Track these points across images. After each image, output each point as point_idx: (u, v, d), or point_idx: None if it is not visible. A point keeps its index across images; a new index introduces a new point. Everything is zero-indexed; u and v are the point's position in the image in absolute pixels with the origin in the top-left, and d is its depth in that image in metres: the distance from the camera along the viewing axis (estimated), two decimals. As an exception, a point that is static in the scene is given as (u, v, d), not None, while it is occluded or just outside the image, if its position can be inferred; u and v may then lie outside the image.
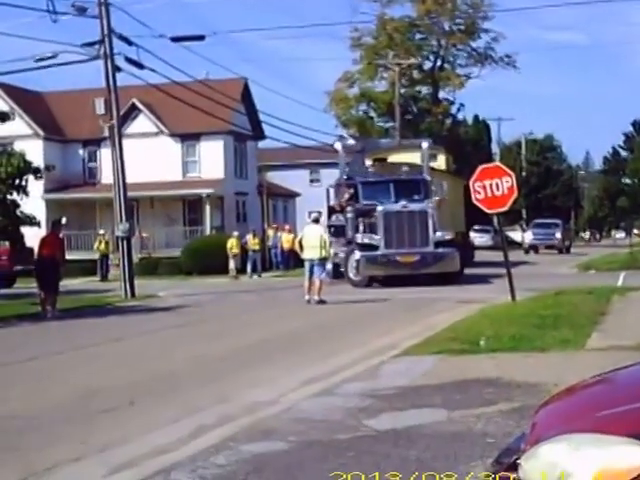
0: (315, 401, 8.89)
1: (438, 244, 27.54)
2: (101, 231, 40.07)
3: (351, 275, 28.29)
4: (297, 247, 25.12)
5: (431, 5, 68.66)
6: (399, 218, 27.63)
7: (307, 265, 22.28)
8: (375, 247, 27.49)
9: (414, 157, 33.39)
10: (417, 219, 27.59)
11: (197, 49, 31.55)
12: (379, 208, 27.86)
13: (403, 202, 28.20)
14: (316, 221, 23.42)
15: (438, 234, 27.81)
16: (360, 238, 28.03)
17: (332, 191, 32.50)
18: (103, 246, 39.13)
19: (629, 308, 16.07)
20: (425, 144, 32.74)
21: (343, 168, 32.11)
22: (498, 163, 26.63)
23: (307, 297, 21.82)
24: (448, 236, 28.38)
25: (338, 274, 29.51)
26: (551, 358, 10.54)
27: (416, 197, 29.16)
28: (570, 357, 10.49)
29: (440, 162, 34.58)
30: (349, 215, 29.46)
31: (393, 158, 35.78)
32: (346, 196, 30.14)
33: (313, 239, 22.30)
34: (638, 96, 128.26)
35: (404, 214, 27.69)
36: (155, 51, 28.94)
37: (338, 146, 33.03)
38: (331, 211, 31.42)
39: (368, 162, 35.12)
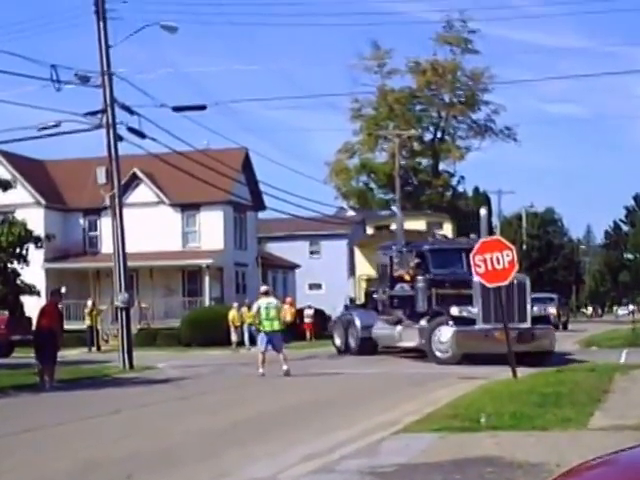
0: (314, 478, 8.90)
1: (535, 320, 25.70)
2: (89, 302, 40.04)
3: (437, 352, 25.51)
4: (255, 320, 24.91)
5: (431, 77, 69.67)
6: (497, 289, 24.56)
7: (264, 337, 22.44)
8: (471, 321, 25.07)
9: (419, 225, 33.48)
10: (516, 291, 25.24)
11: (198, 119, 31.88)
12: (475, 278, 24.56)
13: None
14: (266, 294, 23.51)
15: (535, 309, 26.23)
16: (457, 311, 25.31)
17: (382, 257, 30.44)
18: (91, 317, 38.99)
19: (632, 386, 16.06)
20: (483, 211, 31.87)
21: (401, 234, 30.45)
22: (499, 236, 26.81)
23: (261, 370, 21.92)
24: (545, 312, 26.99)
25: (365, 348, 29.04)
26: (553, 437, 10.53)
27: None
28: (572, 436, 10.49)
29: (447, 230, 34.66)
30: (420, 285, 27.14)
31: (395, 226, 35.71)
32: (411, 264, 28.07)
33: (270, 311, 22.44)
34: (639, 169, 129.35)
35: (502, 285, 26.01)
36: (157, 120, 29.34)
37: (397, 210, 31.60)
38: (395, 280, 28.91)
39: (369, 230, 35.31)
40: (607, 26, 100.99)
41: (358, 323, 30.60)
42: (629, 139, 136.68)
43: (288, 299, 45.17)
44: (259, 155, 45.92)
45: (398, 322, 28.09)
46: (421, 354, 26.78)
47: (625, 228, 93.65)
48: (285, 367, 21.89)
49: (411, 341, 26.94)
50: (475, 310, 24.79)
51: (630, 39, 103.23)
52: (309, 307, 47.24)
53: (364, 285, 33.46)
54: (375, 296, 31.04)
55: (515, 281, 24.81)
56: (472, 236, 29.09)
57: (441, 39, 69.86)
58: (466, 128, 73.15)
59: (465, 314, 25.14)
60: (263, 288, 24.31)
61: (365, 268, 33.72)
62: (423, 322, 26.43)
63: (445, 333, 25.37)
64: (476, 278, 24.30)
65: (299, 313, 45.29)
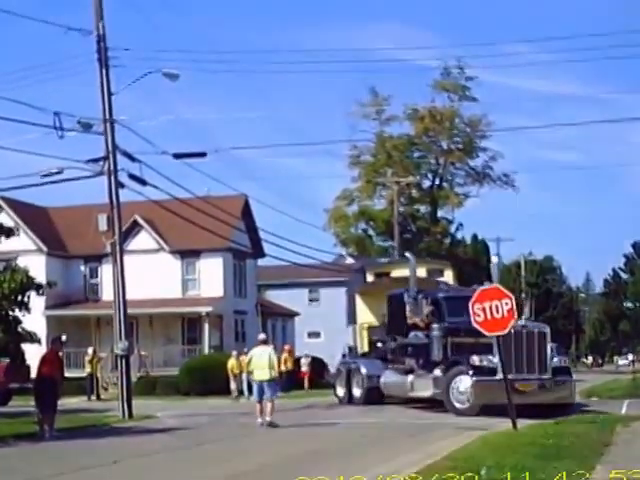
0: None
1: (555, 370, 25.17)
2: (90, 350, 39.99)
3: (456, 403, 24.87)
4: (245, 369, 24.77)
5: (429, 124, 70.08)
6: (518, 339, 24.46)
7: (257, 387, 22.41)
8: (491, 371, 24.18)
9: (419, 272, 33.26)
10: (536, 340, 24.83)
11: (199, 166, 31.96)
12: None
13: (521, 322, 25.23)
14: (264, 342, 23.46)
15: (555, 359, 25.76)
16: (477, 360, 24.60)
17: (391, 304, 29.83)
18: (92, 365, 38.90)
19: (634, 439, 16.02)
20: (495, 259, 31.13)
21: (414, 281, 29.89)
22: (497, 285, 26.84)
23: (259, 420, 21.88)
24: (565, 362, 26.56)
25: (371, 398, 28.63)
26: (554, 491, 10.53)
27: None
28: (573, 490, 10.49)
29: (448, 277, 34.56)
30: (435, 333, 26.46)
31: (396, 273, 35.47)
32: (425, 312, 27.49)
33: (262, 360, 22.38)
34: (638, 218, 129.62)
35: (523, 334, 24.66)
36: (158, 167, 29.43)
37: (410, 255, 30.99)
38: (408, 328, 28.27)
39: (369, 278, 35.13)
40: (605, 74, 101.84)
41: (364, 372, 30.14)
42: (627, 187, 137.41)
43: (286, 347, 45.11)
44: (259, 202, 46.00)
45: (409, 371, 27.51)
46: (430, 404, 26.47)
47: (624, 276, 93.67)
48: (268, 418, 21.73)
49: (424, 391, 26.33)
50: (495, 360, 23.85)
51: (628, 87, 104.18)
52: (306, 356, 47.14)
53: (366, 333, 33.18)
54: (379, 345, 30.77)
55: (536, 330, 25.06)
56: (485, 284, 28.96)
57: (439, 86, 70.39)
58: (464, 175, 73.51)
59: (485, 363, 24.44)
60: (261, 337, 24.30)
61: (367, 316, 33.49)
62: (438, 371, 25.86)
63: (464, 383, 24.73)
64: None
65: (297, 362, 45.19)
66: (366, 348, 32.73)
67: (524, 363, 24.42)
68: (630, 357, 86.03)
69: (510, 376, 23.12)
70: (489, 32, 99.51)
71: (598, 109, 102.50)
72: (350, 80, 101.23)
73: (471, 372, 24.50)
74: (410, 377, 27.23)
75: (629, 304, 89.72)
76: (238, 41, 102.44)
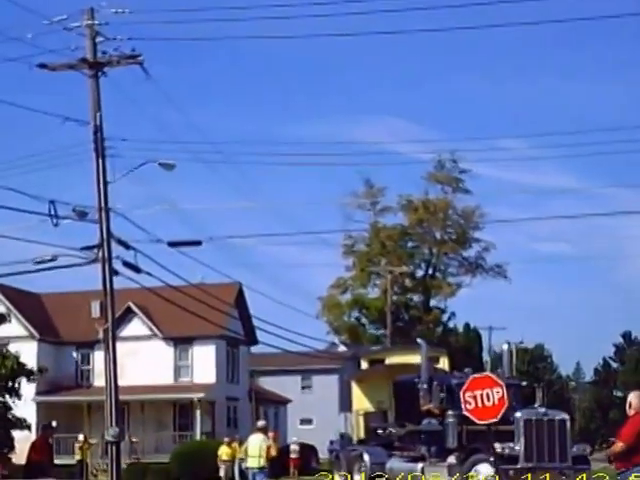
0: None
1: (575, 459, 24.43)
2: (80, 436, 39.41)
3: None
4: (241, 455, 24.54)
5: (423, 214, 70.54)
6: (540, 427, 23.77)
7: (250, 474, 22.20)
8: (513, 459, 23.38)
9: (414, 359, 32.97)
10: (557, 429, 24.07)
11: (194, 254, 31.92)
12: (517, 414, 23.87)
13: (542, 409, 24.67)
14: (260, 429, 23.25)
15: (574, 448, 24.93)
16: (500, 447, 23.57)
17: (400, 390, 29.27)
18: (82, 451, 38.28)
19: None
20: (505, 346, 31.01)
21: (426, 368, 29.20)
22: (489, 373, 26.58)
23: None
24: (585, 451, 25.60)
25: None
26: None
27: (514, 403, 25.46)
28: None
29: (444, 365, 34.25)
30: (450, 420, 25.39)
31: (390, 360, 35.11)
32: (439, 398, 26.49)
33: (254, 448, 22.21)
34: (627, 308, 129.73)
35: (545, 423, 23.91)
36: (152, 255, 29.34)
37: (422, 342, 30.38)
38: (420, 415, 27.25)
39: (364, 365, 34.74)
40: (594, 168, 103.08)
41: (367, 459, 28.99)
42: (617, 279, 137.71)
43: (271, 434, 44.43)
44: (253, 290, 45.96)
45: (419, 458, 26.60)
46: None
47: (614, 365, 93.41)
48: None
49: (437, 478, 25.37)
50: (518, 447, 23.22)
51: (616, 181, 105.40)
52: (294, 442, 46.47)
53: (362, 420, 32.60)
54: (380, 431, 30.18)
55: (557, 418, 24.27)
56: (499, 371, 28.58)
57: (432, 178, 71.01)
58: (457, 265, 73.68)
59: (507, 451, 23.52)
60: (259, 423, 24.16)
61: (363, 403, 32.97)
62: (452, 459, 24.98)
63: (484, 471, 23.80)
64: (518, 414, 23.71)
65: (285, 448, 44.47)
66: (362, 435, 32.16)
67: (545, 451, 23.73)
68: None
69: (531, 464, 23.21)
70: (483, 127, 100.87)
71: (588, 202, 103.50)
72: (346, 171, 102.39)
73: (492, 459, 23.54)
74: (420, 464, 26.27)
75: (619, 393, 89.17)
76: (235, 133, 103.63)
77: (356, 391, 33.89)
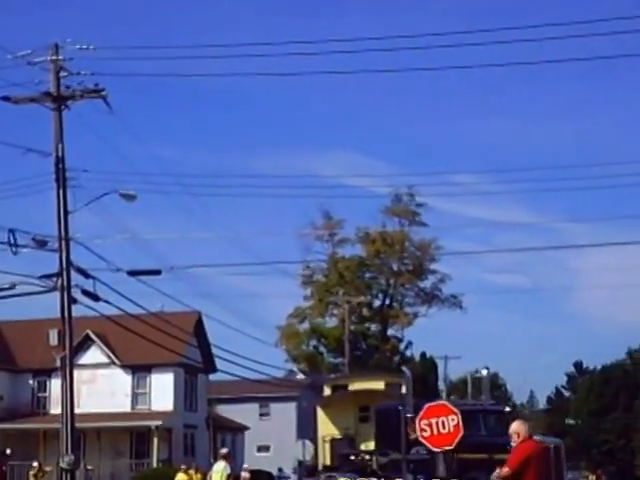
0: None
1: None
2: (34, 463, 38.68)
3: None
4: None
5: (380, 246, 70.82)
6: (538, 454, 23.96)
7: None
8: None
9: (377, 385, 32.75)
10: (553, 455, 23.61)
11: (154, 283, 31.62)
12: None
13: (537, 436, 25.13)
14: (224, 457, 23.24)
15: (570, 476, 25.00)
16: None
17: (381, 418, 28.78)
18: (36, 479, 37.54)
19: None
20: (485, 372, 30.46)
21: (411, 395, 28.23)
22: (444, 401, 26.46)
23: None
24: (582, 478, 25.70)
25: None
26: None
27: (498, 429, 25.41)
28: None
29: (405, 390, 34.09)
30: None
31: (354, 386, 34.68)
32: None
33: (216, 475, 22.25)
34: (578, 338, 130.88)
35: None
36: (111, 283, 29.01)
37: (406, 370, 29.63)
38: (408, 443, 26.66)
39: (327, 391, 34.35)
40: (545, 203, 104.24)
41: None
42: (569, 309, 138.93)
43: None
44: (212, 318, 45.63)
45: None
46: None
47: (567, 394, 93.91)
48: None
49: None
50: None
51: (568, 215, 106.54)
52: (245, 469, 45.74)
53: (328, 446, 32.03)
54: (353, 458, 29.56)
55: (552, 445, 23.79)
56: (482, 397, 28.16)
57: (390, 211, 71.42)
58: (414, 295, 73.93)
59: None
60: (221, 451, 24.10)
61: (329, 429, 32.43)
62: None
63: None
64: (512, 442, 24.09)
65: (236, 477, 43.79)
66: (328, 461, 31.57)
67: (542, 478, 23.44)
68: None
69: None
70: (438, 162, 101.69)
71: (541, 236, 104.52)
72: (305, 203, 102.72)
73: None
74: None
75: (571, 421, 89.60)
76: (196, 165, 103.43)
77: (321, 417, 33.44)
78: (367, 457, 29.11)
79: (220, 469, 22.55)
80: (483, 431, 24.62)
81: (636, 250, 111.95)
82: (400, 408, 26.93)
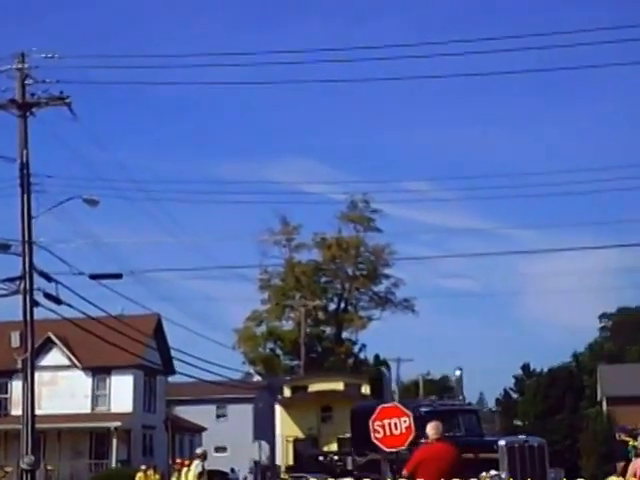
0: None
1: None
2: None
3: None
4: None
5: (336, 252, 71.20)
6: (522, 453, 23.53)
7: None
8: None
9: (337, 386, 32.81)
10: (537, 455, 23.90)
11: (115, 286, 31.57)
12: (501, 442, 23.69)
13: (522, 436, 24.83)
14: (199, 456, 23.61)
15: (552, 474, 24.68)
16: (489, 476, 22.65)
17: (357, 419, 27.68)
18: None
19: None
20: (458, 372, 30.37)
21: (391, 396, 27.59)
22: (397, 403, 26.65)
23: None
24: (561, 476, 25.43)
25: None
26: None
27: (475, 429, 25.66)
28: None
29: (365, 390, 34.17)
30: None
31: (314, 387, 34.59)
32: None
33: (189, 474, 22.57)
34: (527, 341, 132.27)
35: (525, 448, 23.71)
36: (73, 287, 28.94)
37: (385, 371, 29.24)
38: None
39: (287, 392, 34.26)
40: (496, 210, 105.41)
41: None
42: (517, 314, 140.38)
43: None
44: (171, 322, 45.53)
45: None
46: None
47: (514, 396, 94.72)
48: None
49: None
50: (504, 475, 22.69)
51: (517, 222, 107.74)
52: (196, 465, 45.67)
53: (291, 446, 31.81)
54: (321, 458, 29.22)
55: (536, 444, 24.02)
56: (460, 397, 28.05)
57: (346, 217, 71.81)
58: (368, 299, 74.44)
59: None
60: (197, 450, 24.55)
61: (291, 429, 32.17)
62: None
63: None
64: (502, 442, 23.47)
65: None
66: (291, 462, 31.27)
67: (528, 475, 23.17)
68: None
69: None
70: (393, 170, 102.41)
71: (491, 242, 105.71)
72: (263, 209, 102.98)
73: None
74: None
75: (519, 422, 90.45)
76: (157, 172, 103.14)
77: (283, 417, 33.13)
78: (336, 458, 28.94)
79: (193, 467, 23.10)
80: (463, 432, 24.33)
81: (583, 256, 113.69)
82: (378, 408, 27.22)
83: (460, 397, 28.22)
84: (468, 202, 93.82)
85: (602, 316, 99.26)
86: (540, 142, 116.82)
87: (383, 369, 32.14)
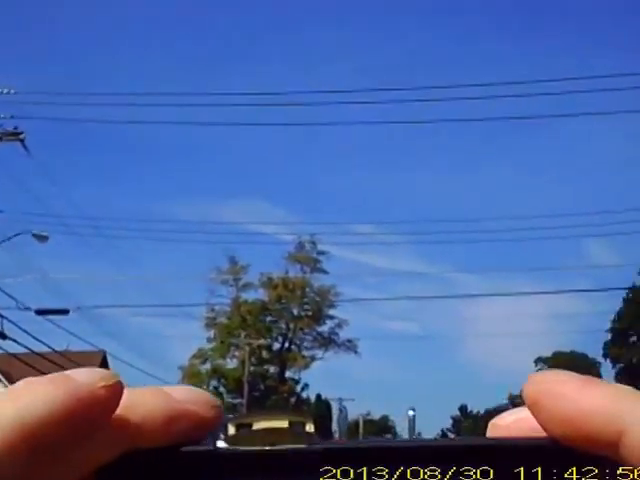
0: None
1: None
2: None
3: None
4: None
5: (282, 292, 71.51)
6: None
7: None
8: None
9: (281, 424, 33.07)
10: None
11: (62, 322, 31.77)
12: None
13: None
14: None
15: None
16: None
17: None
18: None
19: None
20: (411, 412, 30.87)
21: (345, 432, 27.62)
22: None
23: None
24: None
25: None
26: None
27: None
28: None
29: (310, 429, 34.54)
30: None
31: (259, 425, 34.77)
32: None
33: None
34: (464, 384, 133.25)
35: None
36: (19, 322, 29.09)
37: (342, 407, 29.45)
38: None
39: (231, 430, 34.46)
40: (441, 254, 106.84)
41: None
42: (456, 356, 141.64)
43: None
44: (117, 359, 45.61)
45: None
46: None
47: (452, 436, 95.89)
48: None
49: None
50: None
51: (460, 266, 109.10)
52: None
53: None
54: None
55: None
56: (414, 437, 28.42)
57: (292, 258, 72.29)
58: (312, 339, 74.69)
59: None
60: None
61: None
62: None
63: None
64: None
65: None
66: None
67: None
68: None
69: None
70: (341, 212, 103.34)
71: (435, 285, 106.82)
72: (212, 248, 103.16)
73: None
74: None
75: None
76: (109, 209, 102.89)
77: None
78: None
79: None
80: None
81: (521, 301, 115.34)
82: None
83: (414, 437, 28.89)
84: (413, 246, 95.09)
85: (538, 360, 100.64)
86: (484, 188, 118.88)
87: (340, 407, 32.39)
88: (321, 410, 77.95)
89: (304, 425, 34.04)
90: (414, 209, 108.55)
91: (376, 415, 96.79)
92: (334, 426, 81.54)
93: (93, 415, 0.44)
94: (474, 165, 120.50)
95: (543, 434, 0.42)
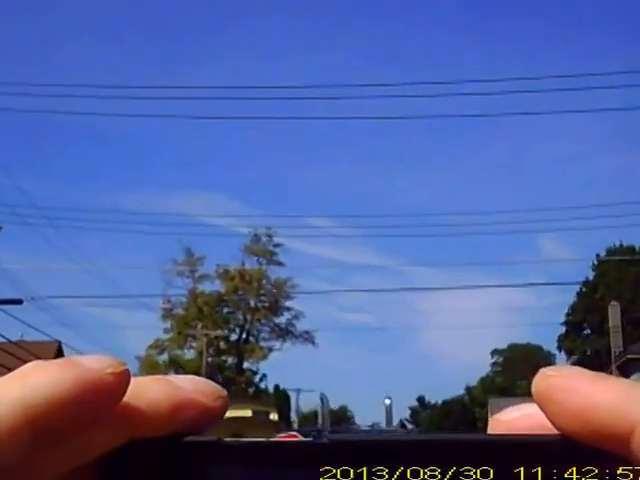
0: None
1: None
2: None
3: None
4: None
5: (239, 283, 70.83)
6: None
7: None
8: None
9: (245, 412, 32.52)
10: None
11: (15, 312, 30.65)
12: None
13: None
14: None
15: None
16: None
17: None
18: None
19: None
20: (388, 401, 29.73)
21: (328, 420, 26.69)
22: (295, 432, 26.38)
23: None
24: None
25: None
26: None
27: None
28: None
29: (274, 418, 33.96)
30: None
31: (226, 414, 34.28)
32: None
33: None
34: (421, 375, 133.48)
35: None
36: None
37: (323, 396, 28.75)
38: None
39: None
40: (396, 247, 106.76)
41: None
42: (412, 348, 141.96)
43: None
44: (72, 349, 44.49)
45: None
46: None
47: (410, 427, 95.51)
48: None
49: None
50: None
51: (414, 259, 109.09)
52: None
53: None
54: None
55: None
56: (395, 425, 27.59)
57: (249, 250, 71.64)
58: (269, 330, 74.12)
59: None
60: None
61: None
62: None
63: None
64: None
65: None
66: None
67: None
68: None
69: None
70: (298, 205, 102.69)
71: (389, 278, 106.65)
72: (168, 240, 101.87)
73: None
74: None
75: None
76: (62, 200, 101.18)
77: None
78: None
79: None
80: None
81: (476, 294, 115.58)
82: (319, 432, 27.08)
83: (395, 425, 28.11)
84: (368, 239, 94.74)
85: (494, 352, 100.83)
86: (441, 184, 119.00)
87: (321, 396, 31.45)
88: (280, 400, 77.38)
89: (268, 414, 33.42)
90: (370, 203, 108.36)
91: (335, 405, 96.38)
92: (292, 415, 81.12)
93: (100, 401, 0.44)
94: (430, 161, 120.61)
95: (548, 431, 0.42)
